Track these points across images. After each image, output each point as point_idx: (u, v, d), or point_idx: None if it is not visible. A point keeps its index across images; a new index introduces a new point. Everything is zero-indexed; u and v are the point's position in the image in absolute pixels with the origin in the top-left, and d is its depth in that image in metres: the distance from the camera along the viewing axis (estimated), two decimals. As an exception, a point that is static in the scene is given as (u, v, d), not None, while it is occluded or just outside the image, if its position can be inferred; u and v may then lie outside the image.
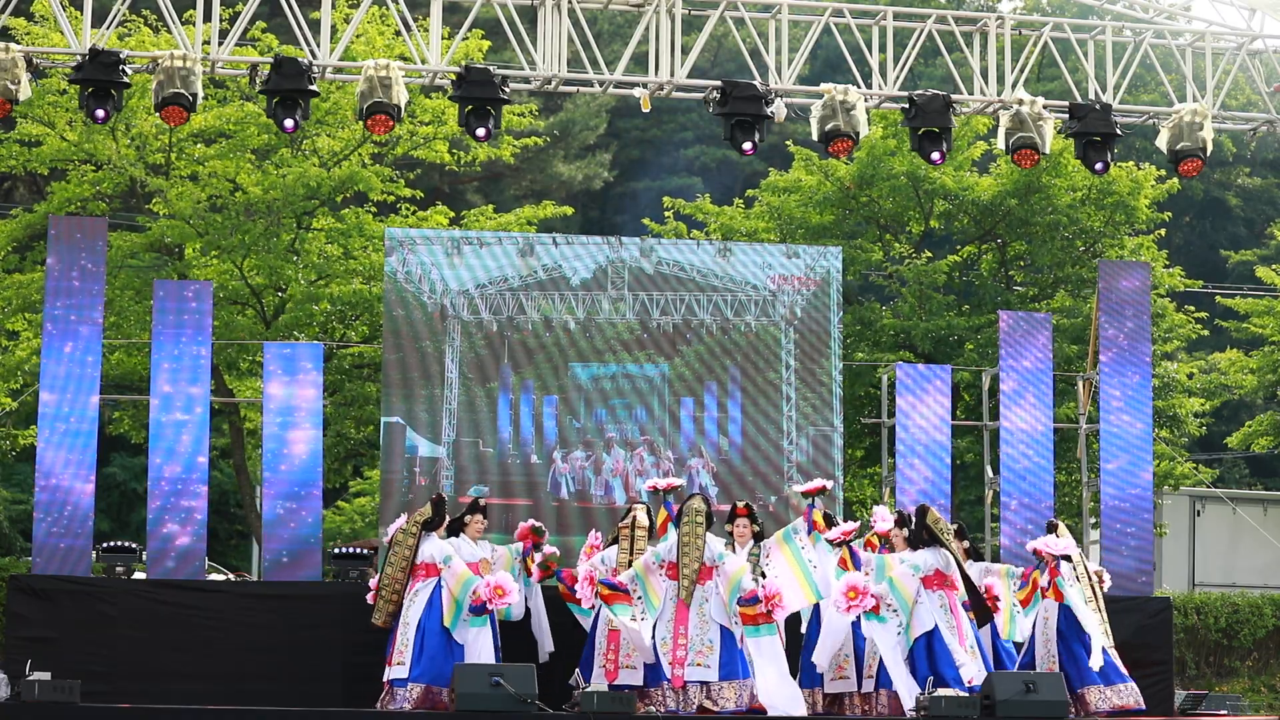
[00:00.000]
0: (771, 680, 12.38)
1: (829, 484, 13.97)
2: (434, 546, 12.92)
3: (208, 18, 14.75)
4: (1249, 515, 25.58)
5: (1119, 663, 13.37)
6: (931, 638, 12.64)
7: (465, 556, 13.09)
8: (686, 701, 12.41)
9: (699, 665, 12.44)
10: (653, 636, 12.50)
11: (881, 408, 19.55)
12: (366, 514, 26.22)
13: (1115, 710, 13.22)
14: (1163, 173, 22.22)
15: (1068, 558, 13.53)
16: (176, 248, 20.17)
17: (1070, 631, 13.42)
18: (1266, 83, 16.83)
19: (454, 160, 21.12)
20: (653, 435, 15.90)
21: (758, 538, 13.46)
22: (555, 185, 34.10)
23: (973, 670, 12.63)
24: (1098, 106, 15.89)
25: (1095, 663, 13.06)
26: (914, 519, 13.09)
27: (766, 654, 12.46)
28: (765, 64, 15.56)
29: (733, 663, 12.47)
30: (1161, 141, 16.15)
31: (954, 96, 15.81)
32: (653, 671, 12.55)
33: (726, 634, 12.53)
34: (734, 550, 13.20)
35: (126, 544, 14.67)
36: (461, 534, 13.41)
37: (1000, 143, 15.99)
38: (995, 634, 13.36)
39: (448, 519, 13.22)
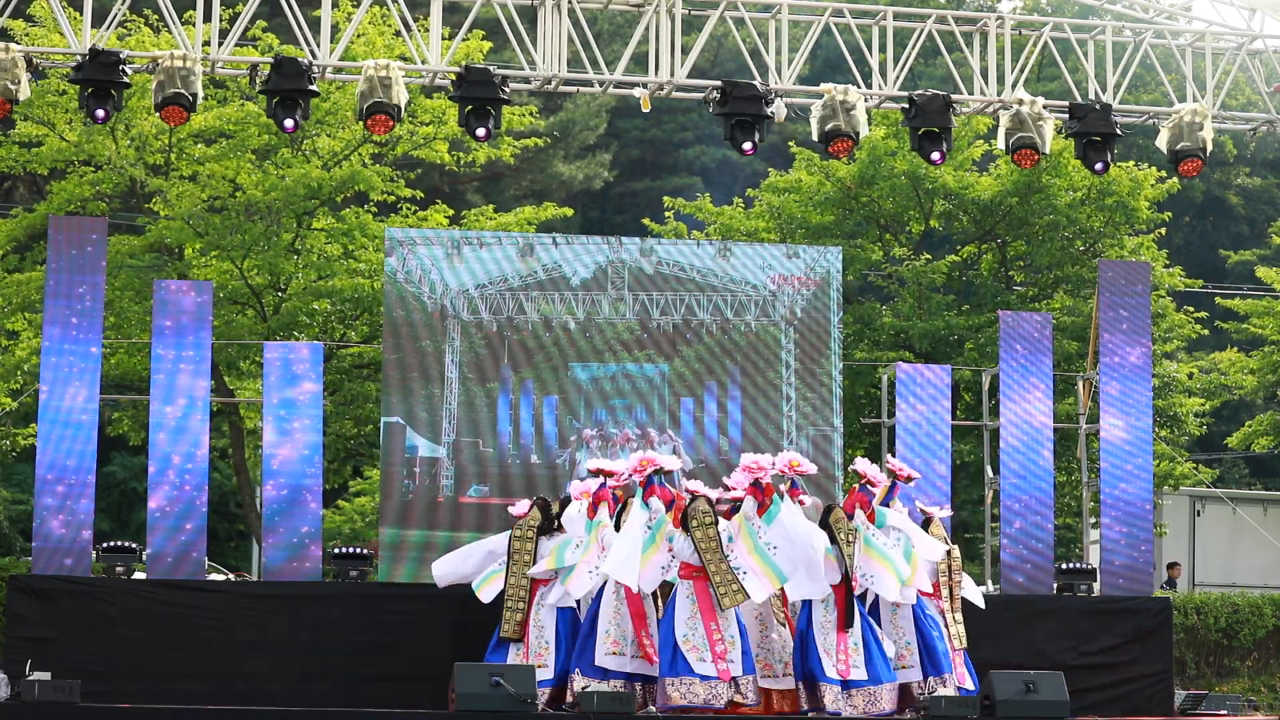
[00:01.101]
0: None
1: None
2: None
3: (208, 18, 14.75)
4: (1249, 515, 25.57)
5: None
6: (806, 636, 12.83)
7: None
8: (742, 693, 12.53)
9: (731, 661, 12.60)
10: (672, 628, 12.58)
11: (881, 408, 19.55)
12: (366, 514, 26.22)
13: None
14: (1163, 173, 22.23)
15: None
16: (176, 248, 20.17)
17: (923, 623, 13.46)
18: (1266, 83, 16.84)
19: (454, 160, 21.11)
20: (653, 435, 15.89)
21: None
22: (555, 185, 34.10)
23: (850, 662, 12.77)
24: (1098, 106, 15.89)
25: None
26: (820, 517, 13.32)
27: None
28: (765, 64, 15.56)
29: (750, 657, 12.64)
30: (1161, 141, 16.16)
31: (954, 96, 15.82)
32: (672, 664, 12.63)
33: (742, 628, 12.68)
34: None
35: (126, 544, 14.67)
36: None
37: (1000, 143, 15.99)
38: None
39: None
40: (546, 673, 12.80)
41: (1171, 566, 23.62)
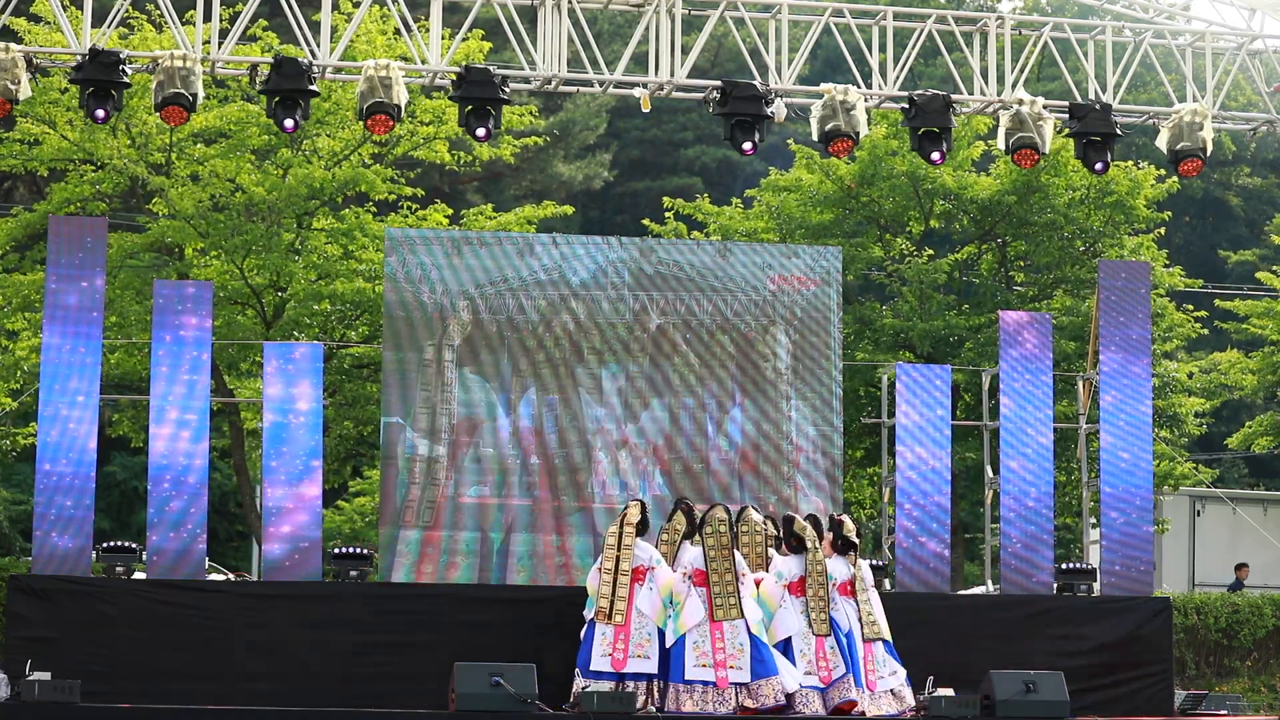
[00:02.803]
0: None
1: None
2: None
3: (208, 17, 14.75)
4: (1249, 515, 25.57)
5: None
6: (788, 646, 13.24)
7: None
8: (723, 702, 12.69)
9: (734, 668, 12.79)
10: (680, 638, 12.78)
11: (881, 408, 19.55)
12: (366, 514, 26.23)
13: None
14: (1162, 172, 22.23)
15: None
16: (176, 248, 20.17)
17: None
18: (1266, 83, 16.84)
19: (454, 160, 21.11)
20: (653, 436, 15.89)
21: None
22: (555, 185, 34.10)
23: (831, 664, 13.18)
24: (1098, 106, 15.89)
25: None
26: (780, 528, 13.76)
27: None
28: (765, 64, 15.56)
29: (762, 662, 12.85)
30: (1161, 141, 16.16)
31: (954, 96, 15.82)
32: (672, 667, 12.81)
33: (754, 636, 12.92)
34: None
35: (126, 544, 14.67)
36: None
37: (1000, 143, 16.00)
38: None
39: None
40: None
41: (1240, 567, 23.50)
